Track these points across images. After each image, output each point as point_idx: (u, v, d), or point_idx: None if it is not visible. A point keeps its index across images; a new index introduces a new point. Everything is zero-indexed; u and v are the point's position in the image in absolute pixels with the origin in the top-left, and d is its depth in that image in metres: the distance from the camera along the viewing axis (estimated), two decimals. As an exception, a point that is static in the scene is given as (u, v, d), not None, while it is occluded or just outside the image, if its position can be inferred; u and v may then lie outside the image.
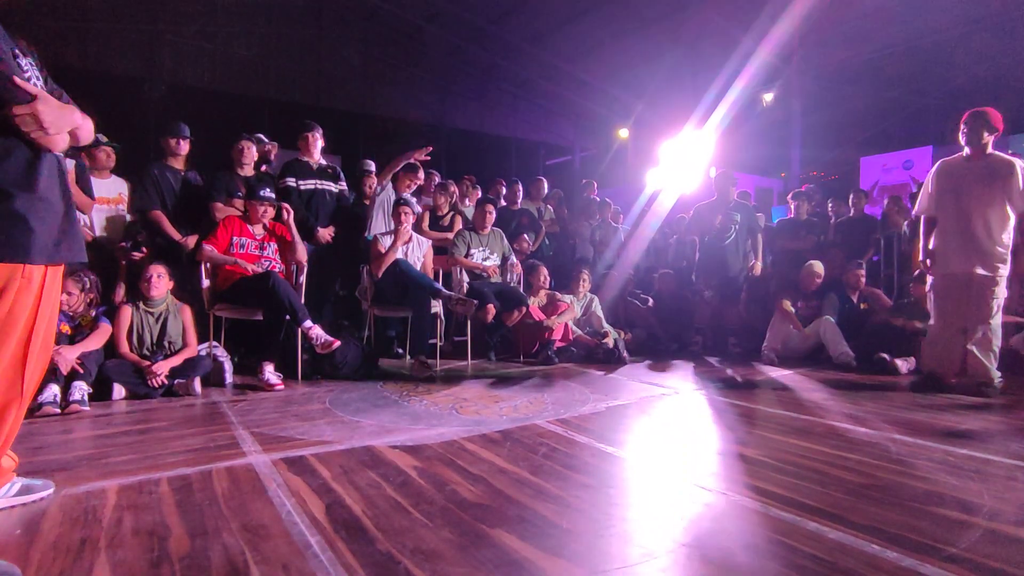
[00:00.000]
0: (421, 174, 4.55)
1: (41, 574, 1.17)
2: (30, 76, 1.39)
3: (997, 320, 3.16)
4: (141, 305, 3.03)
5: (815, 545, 1.30)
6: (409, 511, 1.48)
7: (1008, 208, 3.10)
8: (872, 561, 1.23)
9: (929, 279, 3.38)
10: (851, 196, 5.61)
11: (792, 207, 5.53)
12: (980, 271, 3.11)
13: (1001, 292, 3.13)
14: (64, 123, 1.38)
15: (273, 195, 3.61)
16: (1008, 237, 3.13)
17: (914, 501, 1.58)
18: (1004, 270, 3.12)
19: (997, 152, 3.18)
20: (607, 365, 4.14)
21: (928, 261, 3.34)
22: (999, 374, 3.16)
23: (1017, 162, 3.10)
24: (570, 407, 2.74)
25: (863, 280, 4.65)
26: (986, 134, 3.12)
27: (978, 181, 3.14)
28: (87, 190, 3.39)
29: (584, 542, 1.32)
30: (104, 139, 3.75)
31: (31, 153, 1.35)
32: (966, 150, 3.21)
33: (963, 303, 3.21)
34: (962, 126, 3.19)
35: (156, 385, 2.85)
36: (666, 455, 2.05)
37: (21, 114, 1.29)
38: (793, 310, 4.52)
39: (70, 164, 3.14)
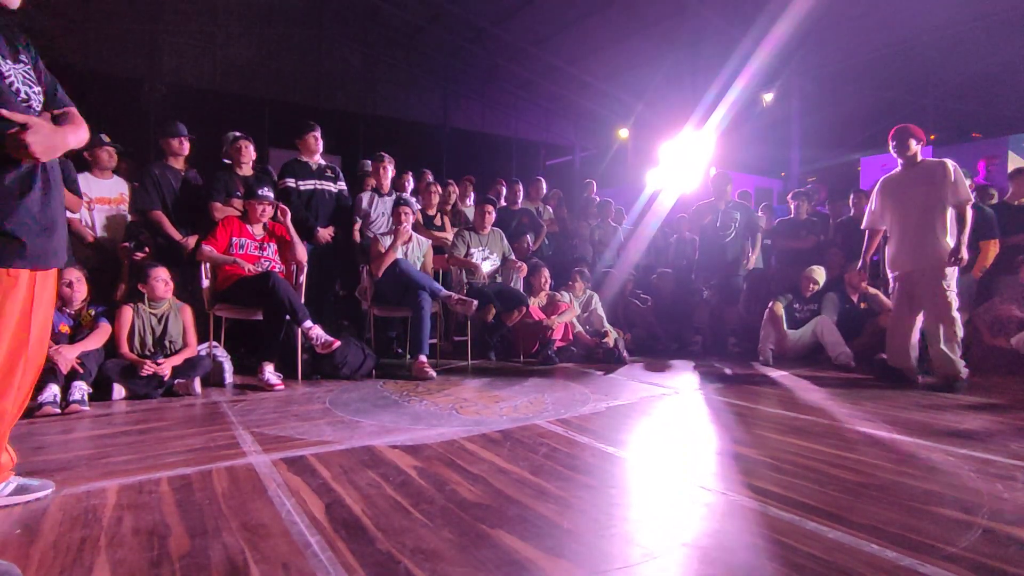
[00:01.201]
0: (388, 165, 4.56)
1: (41, 573, 1.17)
2: (12, 81, 1.36)
3: (956, 312, 3.33)
4: (142, 306, 3.03)
5: (814, 544, 1.30)
6: (409, 511, 1.48)
7: (947, 205, 3.33)
8: (871, 560, 1.23)
9: (891, 282, 3.64)
10: (851, 196, 5.61)
11: (792, 207, 5.53)
12: (928, 269, 3.33)
13: (952, 285, 3.33)
14: (56, 147, 1.36)
15: (272, 194, 3.61)
16: (951, 233, 3.35)
17: (913, 500, 1.58)
18: (950, 266, 3.33)
19: (928, 158, 3.47)
20: (607, 365, 4.14)
21: (864, 272, 3.78)
22: (963, 363, 3.29)
23: (949, 163, 3.35)
24: (570, 407, 2.75)
25: (866, 282, 4.64)
26: (913, 143, 3.46)
27: (917, 186, 3.41)
28: (74, 189, 3.38)
29: (585, 542, 1.32)
30: (107, 139, 3.75)
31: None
32: (900, 162, 3.51)
33: (917, 300, 3.45)
34: (891, 142, 3.50)
35: (145, 374, 2.83)
36: (666, 455, 2.05)
37: (8, 141, 1.28)
38: (783, 313, 4.53)
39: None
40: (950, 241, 3.32)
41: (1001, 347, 4.01)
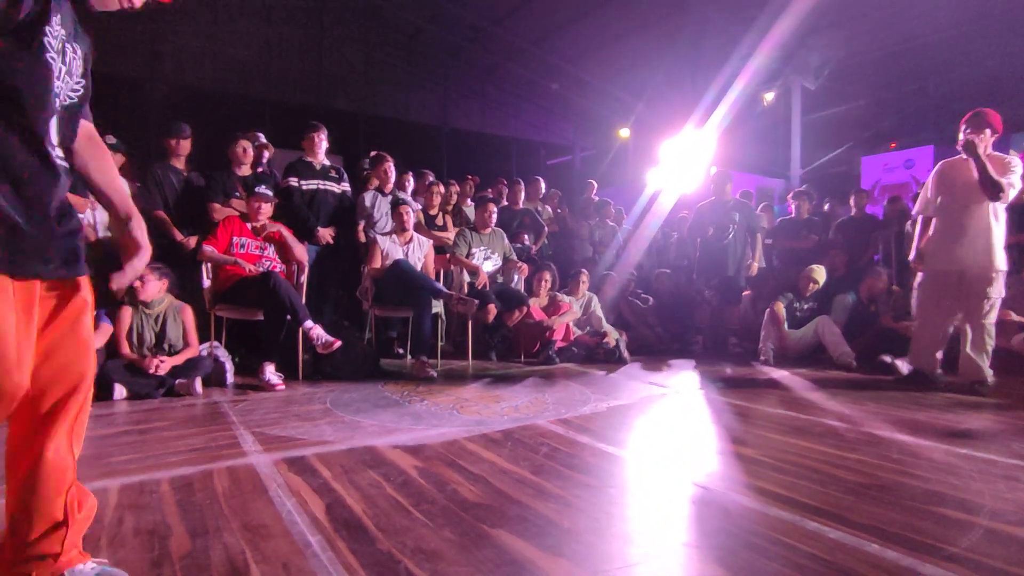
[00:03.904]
0: (389, 165, 4.55)
1: (42, 574, 1.17)
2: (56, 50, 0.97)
3: (991, 319, 3.17)
4: (140, 306, 3.04)
5: (815, 544, 1.30)
6: (410, 511, 1.48)
7: (1003, 204, 3.12)
8: (872, 560, 1.23)
9: (918, 276, 3.42)
10: (851, 196, 5.61)
11: (792, 207, 5.53)
12: (976, 269, 3.14)
13: (995, 291, 3.14)
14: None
15: (270, 192, 3.62)
16: (1004, 232, 3.16)
17: (914, 500, 1.58)
18: (1001, 268, 3.14)
19: (995, 152, 3.18)
20: (608, 365, 4.14)
21: (919, 261, 3.39)
22: (991, 372, 3.18)
23: (1012, 159, 3.12)
24: (571, 407, 2.75)
25: (883, 286, 4.59)
26: (988, 133, 3.12)
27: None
28: (80, 189, 3.37)
29: (585, 542, 1.32)
30: (113, 140, 3.76)
31: None
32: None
33: (952, 301, 3.25)
34: (963, 127, 3.18)
35: (152, 371, 2.83)
36: (667, 455, 2.05)
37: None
38: (784, 313, 4.52)
39: None
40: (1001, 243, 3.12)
41: (1001, 347, 4.00)
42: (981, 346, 3.16)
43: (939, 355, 3.35)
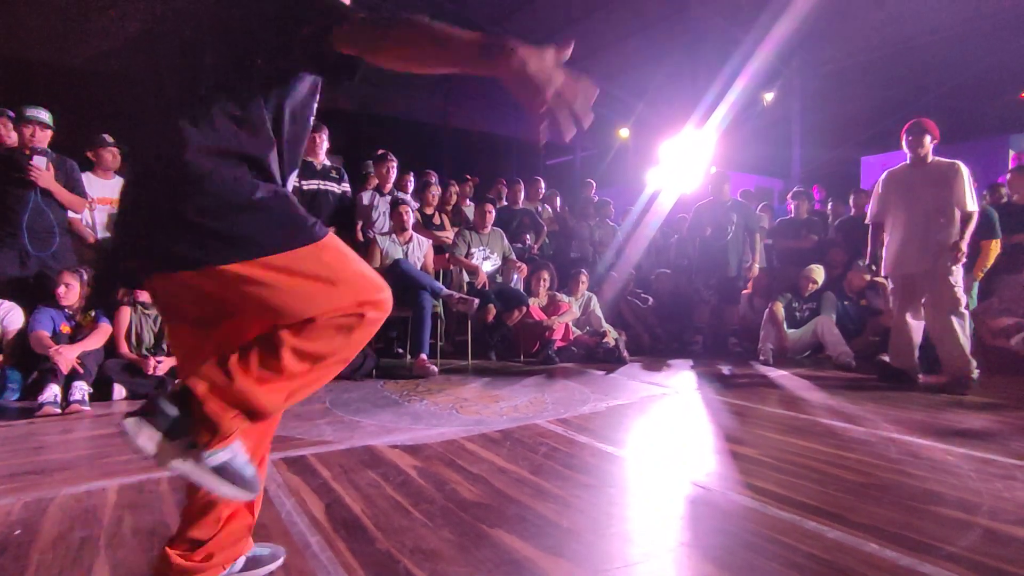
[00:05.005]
0: (392, 165, 4.55)
1: (41, 573, 1.17)
2: None
3: (963, 302, 3.29)
4: (139, 306, 3.04)
5: (814, 544, 1.30)
6: (409, 511, 1.49)
7: (955, 207, 3.27)
8: (871, 560, 1.23)
9: (888, 282, 3.61)
10: (851, 196, 5.61)
11: (792, 207, 5.53)
12: (935, 266, 3.28)
13: (958, 281, 3.28)
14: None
15: None
16: (956, 232, 3.30)
17: (913, 500, 1.58)
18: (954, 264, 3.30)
19: (939, 157, 3.40)
20: (607, 365, 4.14)
21: (874, 266, 3.66)
22: (974, 362, 3.25)
23: (962, 167, 3.29)
24: (570, 407, 2.75)
25: (860, 281, 4.62)
26: (927, 140, 3.35)
27: (925, 185, 3.35)
28: (79, 190, 3.37)
29: (584, 541, 1.33)
30: (110, 139, 3.76)
31: None
32: (909, 157, 3.44)
33: (919, 301, 3.41)
34: (905, 136, 3.42)
35: (151, 371, 2.84)
36: (666, 454, 2.05)
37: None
38: (783, 314, 4.53)
39: (40, 162, 3.15)
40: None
41: (1001, 347, 4.00)
42: (963, 331, 3.26)
43: (916, 353, 3.48)
